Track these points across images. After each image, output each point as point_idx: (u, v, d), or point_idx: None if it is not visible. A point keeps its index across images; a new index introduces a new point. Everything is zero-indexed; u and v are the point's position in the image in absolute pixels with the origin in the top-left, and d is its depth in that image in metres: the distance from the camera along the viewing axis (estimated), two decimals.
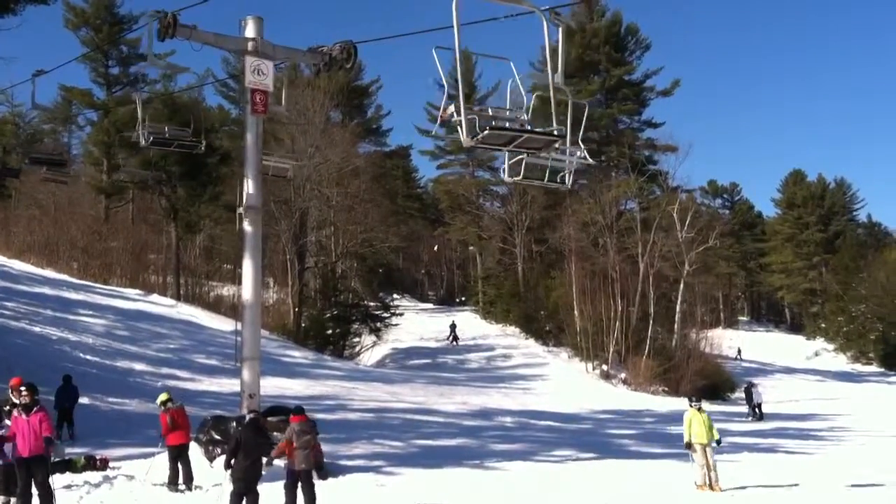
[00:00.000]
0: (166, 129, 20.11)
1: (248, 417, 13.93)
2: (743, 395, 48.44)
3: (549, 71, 12.10)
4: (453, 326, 60.21)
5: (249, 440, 12.79)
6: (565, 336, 55.43)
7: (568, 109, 12.86)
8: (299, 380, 33.62)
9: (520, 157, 13.65)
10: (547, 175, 13.98)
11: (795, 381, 60.69)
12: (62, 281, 45.84)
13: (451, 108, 12.12)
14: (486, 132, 11.87)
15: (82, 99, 60.32)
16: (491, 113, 12.97)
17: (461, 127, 11.89)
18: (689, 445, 16.81)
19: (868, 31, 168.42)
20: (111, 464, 16.81)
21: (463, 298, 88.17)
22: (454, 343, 58.50)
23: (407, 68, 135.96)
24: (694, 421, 16.86)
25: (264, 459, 13.30)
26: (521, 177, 14.19)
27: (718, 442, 16.97)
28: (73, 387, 20.66)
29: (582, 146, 13.83)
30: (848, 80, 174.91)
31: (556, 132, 12.46)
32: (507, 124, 12.62)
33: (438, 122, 13.90)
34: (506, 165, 14.17)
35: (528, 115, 13.10)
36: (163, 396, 16.21)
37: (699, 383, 48.57)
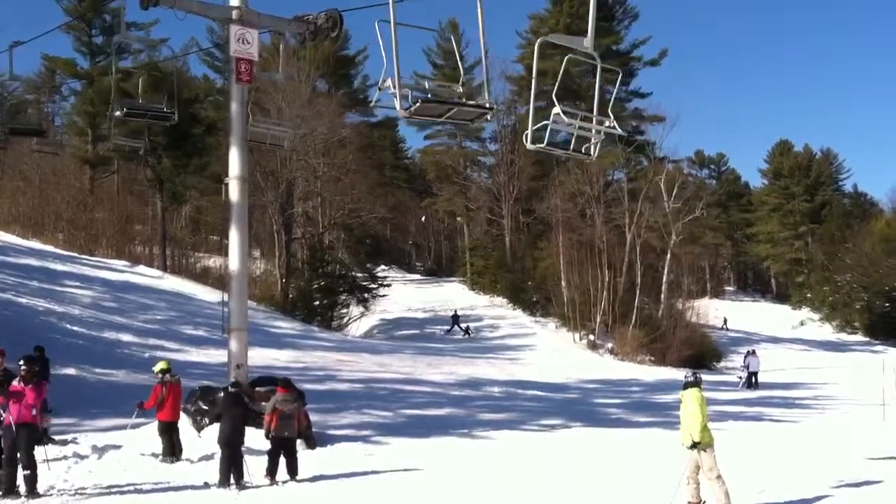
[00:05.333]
0: (140, 101, 19.83)
1: (228, 388, 14.15)
2: (732, 365, 48.82)
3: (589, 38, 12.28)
4: (455, 317, 55.38)
5: (229, 409, 13.64)
6: (552, 306, 55.61)
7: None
8: (287, 350, 33.64)
9: (546, 122, 12.51)
10: (573, 143, 13.12)
11: (781, 351, 61.07)
12: (48, 252, 45.61)
13: (389, 82, 12.40)
14: (418, 104, 12.44)
15: (66, 68, 59.73)
16: (428, 86, 13.34)
17: (395, 99, 12.37)
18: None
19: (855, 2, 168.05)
20: (98, 435, 16.76)
21: (435, 268, 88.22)
22: (466, 335, 52.99)
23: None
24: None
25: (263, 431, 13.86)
26: (544, 146, 12.93)
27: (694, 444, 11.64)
28: (45, 359, 20.03)
29: (612, 115, 12.80)
30: (835, 50, 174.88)
31: (487, 104, 13.13)
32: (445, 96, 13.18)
33: (376, 95, 13.69)
34: (530, 131, 12.68)
35: (462, 87, 13.64)
36: (161, 364, 15.82)
37: (685, 353, 48.92)
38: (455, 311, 56.44)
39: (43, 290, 34.11)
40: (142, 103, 20.36)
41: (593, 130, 12.73)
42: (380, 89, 13.02)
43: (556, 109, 12.04)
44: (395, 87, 12.49)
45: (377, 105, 14.02)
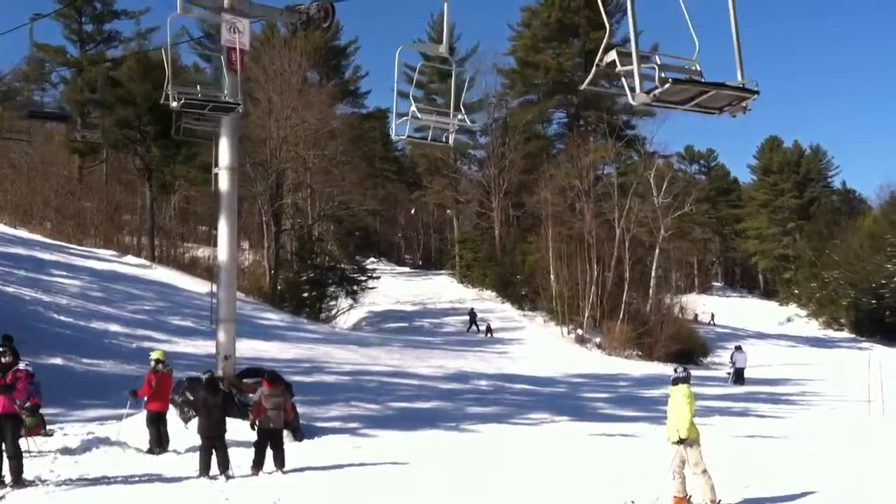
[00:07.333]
0: (198, 89, 18.41)
1: (204, 378, 14.03)
2: (718, 360, 48.98)
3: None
4: (473, 315, 52.77)
5: (207, 399, 13.54)
6: (541, 300, 55.68)
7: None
8: (275, 342, 33.57)
9: (405, 118, 14.73)
10: (430, 134, 15.62)
11: (768, 347, 61.24)
12: (35, 241, 45.38)
13: (613, 55, 9.20)
14: (667, 86, 8.90)
15: (55, 56, 59.32)
16: (659, 62, 9.46)
17: (627, 80, 9.03)
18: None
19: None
20: (85, 426, 16.71)
21: (421, 262, 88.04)
22: (488, 334, 50.07)
23: (385, 29, 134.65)
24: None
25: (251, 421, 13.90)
26: (406, 136, 16.26)
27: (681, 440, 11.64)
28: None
29: (462, 110, 15.12)
30: (825, 47, 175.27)
31: (746, 86, 9.48)
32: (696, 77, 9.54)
33: (592, 72, 9.76)
34: (393, 124, 15.88)
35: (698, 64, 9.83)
36: (157, 353, 15.79)
37: (672, 348, 49.05)
38: (472, 309, 54.21)
39: (30, 280, 33.93)
40: (201, 92, 19.13)
41: (450, 124, 15.10)
42: (597, 65, 9.55)
43: (413, 107, 14.26)
44: (629, 64, 9.10)
45: (590, 88, 10.64)
